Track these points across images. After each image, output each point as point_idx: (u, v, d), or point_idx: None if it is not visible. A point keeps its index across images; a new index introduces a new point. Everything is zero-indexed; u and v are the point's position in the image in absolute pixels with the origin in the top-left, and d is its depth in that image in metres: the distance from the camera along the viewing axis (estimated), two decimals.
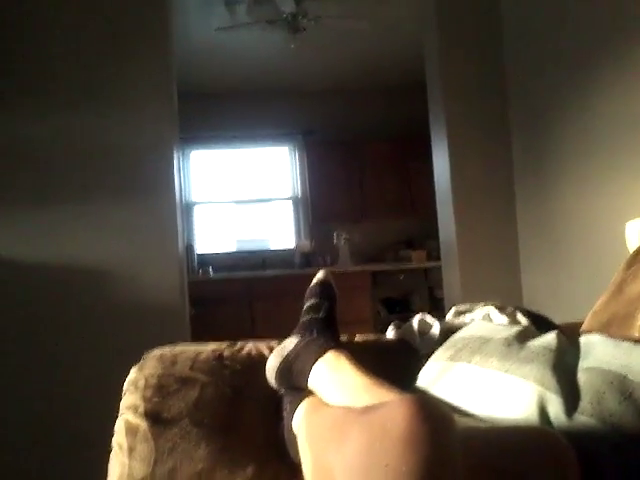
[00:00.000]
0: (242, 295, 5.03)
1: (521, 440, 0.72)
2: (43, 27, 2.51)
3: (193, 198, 5.89)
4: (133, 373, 1.15)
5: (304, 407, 1.01)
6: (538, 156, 2.76)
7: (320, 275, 1.26)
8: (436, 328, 1.23)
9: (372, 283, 5.35)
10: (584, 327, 1.20)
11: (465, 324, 1.20)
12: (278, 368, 1.09)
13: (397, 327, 1.35)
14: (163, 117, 2.56)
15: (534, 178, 2.80)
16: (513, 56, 2.93)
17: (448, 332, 1.18)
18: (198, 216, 5.92)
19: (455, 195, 2.90)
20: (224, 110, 5.82)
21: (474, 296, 2.71)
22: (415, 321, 1.28)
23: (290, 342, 1.12)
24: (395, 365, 1.16)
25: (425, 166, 4.19)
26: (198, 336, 2.70)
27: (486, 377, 0.92)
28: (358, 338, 1.32)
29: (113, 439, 1.07)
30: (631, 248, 1.30)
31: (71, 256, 2.44)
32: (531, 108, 2.80)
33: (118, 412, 1.12)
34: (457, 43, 2.97)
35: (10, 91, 2.47)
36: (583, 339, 0.97)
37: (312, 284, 1.24)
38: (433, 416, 0.62)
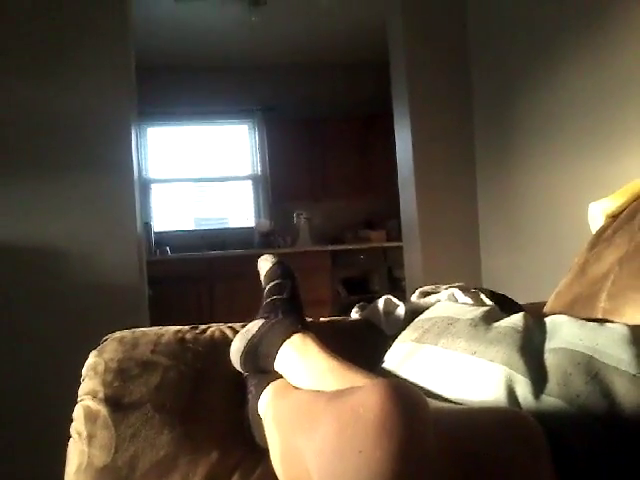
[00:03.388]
0: (201, 275, 4.97)
1: (491, 421, 0.72)
2: None
3: (150, 175, 5.77)
4: (92, 357, 1.11)
5: (270, 391, 1.00)
6: (501, 137, 2.78)
7: (269, 257, 1.24)
8: (402, 309, 1.23)
9: (332, 263, 5.35)
10: (547, 308, 1.21)
11: (431, 305, 1.20)
12: (243, 351, 1.07)
13: (362, 308, 1.34)
14: (120, 90, 2.48)
15: (496, 158, 2.82)
16: (478, 32, 2.93)
17: (414, 313, 1.17)
18: (155, 194, 5.80)
19: (417, 174, 2.90)
20: (183, 85, 5.70)
21: (435, 276, 2.74)
22: (380, 302, 1.27)
23: (254, 325, 1.10)
24: (361, 346, 1.16)
25: (386, 146, 4.19)
26: (155, 318, 2.67)
27: (453, 360, 0.92)
28: (323, 319, 1.30)
29: (72, 426, 1.04)
30: (594, 229, 1.32)
31: (24, 234, 2.36)
32: (495, 87, 2.81)
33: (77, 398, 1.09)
34: (421, 20, 2.95)
35: None
36: (549, 320, 0.98)
37: (270, 265, 1.22)
38: (406, 400, 0.61)
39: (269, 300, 1.13)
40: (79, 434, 1.01)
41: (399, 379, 0.96)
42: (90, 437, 1.00)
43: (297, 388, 0.96)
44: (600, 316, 1.02)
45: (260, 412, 1.00)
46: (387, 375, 0.99)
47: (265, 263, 1.23)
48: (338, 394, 0.69)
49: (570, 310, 1.09)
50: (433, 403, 0.83)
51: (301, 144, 5.65)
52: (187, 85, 5.71)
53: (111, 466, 0.97)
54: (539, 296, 1.37)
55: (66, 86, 2.42)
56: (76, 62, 2.43)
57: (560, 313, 1.03)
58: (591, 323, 0.91)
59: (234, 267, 4.97)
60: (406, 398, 0.61)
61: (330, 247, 5.46)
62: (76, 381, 1.11)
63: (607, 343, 0.83)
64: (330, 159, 5.68)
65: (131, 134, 2.49)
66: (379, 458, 0.56)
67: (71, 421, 1.05)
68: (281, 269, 1.20)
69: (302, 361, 0.97)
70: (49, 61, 2.41)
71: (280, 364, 1.01)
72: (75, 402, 1.07)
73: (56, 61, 2.42)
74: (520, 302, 1.27)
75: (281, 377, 1.02)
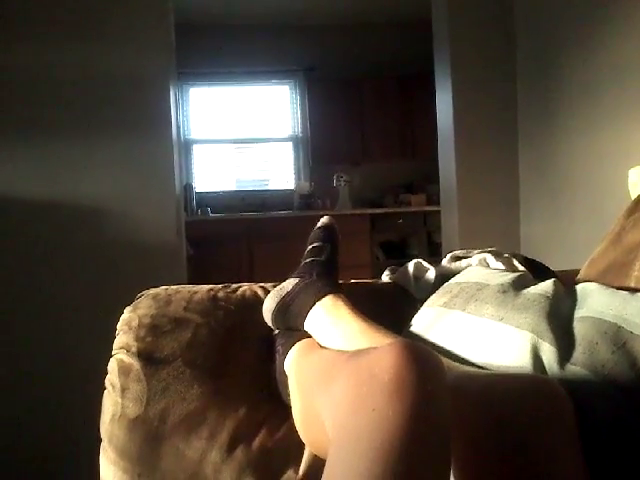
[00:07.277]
0: (240, 236, 5.02)
1: (519, 387, 0.71)
2: None
3: (193, 136, 5.81)
4: (127, 313, 1.15)
5: (296, 349, 1.02)
6: (543, 101, 2.70)
7: (325, 219, 1.25)
8: (431, 273, 1.22)
9: (371, 227, 5.33)
10: (581, 275, 1.19)
11: (461, 269, 1.19)
12: (275, 308, 1.09)
13: (393, 271, 1.34)
14: (159, 49, 2.47)
15: (539, 123, 2.74)
16: None
17: (444, 277, 1.17)
18: (197, 155, 5.84)
19: (457, 137, 2.85)
20: (224, 46, 5.67)
21: (472, 241, 2.71)
22: (411, 265, 1.27)
23: (289, 283, 1.12)
24: (390, 309, 1.16)
25: (428, 108, 4.12)
26: (196, 277, 2.71)
27: (480, 326, 0.91)
28: (354, 281, 1.31)
29: (106, 378, 1.08)
30: (633, 195, 1.28)
31: (62, 192, 2.40)
32: (540, 50, 2.72)
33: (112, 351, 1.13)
34: None
35: None
36: (579, 287, 0.96)
37: (316, 227, 1.23)
38: (421, 362, 0.61)
39: (307, 261, 1.15)
40: (113, 386, 1.05)
41: (416, 341, 0.97)
42: (123, 389, 1.04)
43: (323, 347, 0.98)
44: (633, 285, 0.99)
45: (286, 370, 1.02)
46: (413, 338, 1.00)
47: (320, 223, 1.25)
48: (357, 353, 0.69)
49: (603, 278, 1.07)
50: (458, 367, 0.83)
51: (342, 105, 5.58)
52: (229, 46, 5.68)
53: (143, 417, 1.01)
54: (579, 263, 1.34)
55: (105, 46, 2.42)
56: (114, 21, 2.42)
57: (592, 281, 1.01)
58: (622, 292, 0.89)
59: (274, 229, 5.02)
60: (421, 360, 0.61)
61: (369, 210, 5.44)
62: (111, 336, 1.15)
63: (637, 313, 0.82)
64: (371, 121, 5.61)
65: (169, 94, 2.49)
66: (391, 417, 0.57)
67: (106, 374, 1.09)
68: (325, 232, 1.20)
69: (331, 322, 0.99)
70: (87, 21, 2.41)
71: (310, 324, 1.03)
72: (110, 355, 1.11)
73: (94, 21, 2.41)
74: (558, 269, 1.24)
75: (309, 337, 1.04)
